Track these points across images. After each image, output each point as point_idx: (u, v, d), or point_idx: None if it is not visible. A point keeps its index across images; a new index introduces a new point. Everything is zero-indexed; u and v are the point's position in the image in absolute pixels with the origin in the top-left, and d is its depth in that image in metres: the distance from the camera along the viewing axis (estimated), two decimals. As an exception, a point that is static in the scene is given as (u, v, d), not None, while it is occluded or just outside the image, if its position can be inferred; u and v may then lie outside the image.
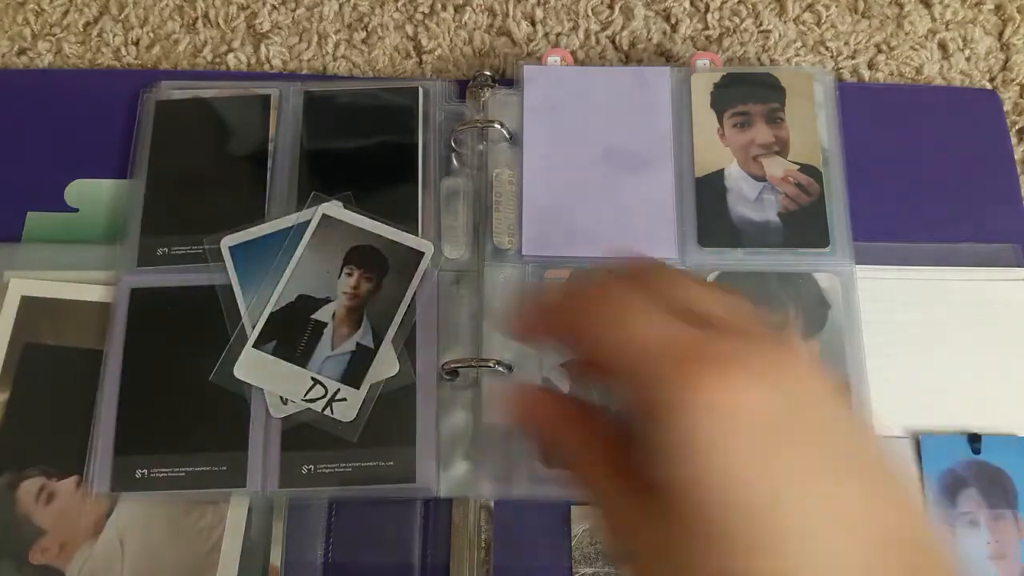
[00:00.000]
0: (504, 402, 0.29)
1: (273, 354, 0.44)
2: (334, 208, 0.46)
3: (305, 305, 0.45)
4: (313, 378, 0.43)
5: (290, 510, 0.43)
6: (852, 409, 0.26)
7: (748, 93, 0.50)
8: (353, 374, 0.43)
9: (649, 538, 0.25)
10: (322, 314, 0.44)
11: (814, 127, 0.49)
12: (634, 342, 0.25)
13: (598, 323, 0.26)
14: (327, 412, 0.43)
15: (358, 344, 0.44)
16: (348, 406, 0.43)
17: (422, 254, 0.46)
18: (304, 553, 0.43)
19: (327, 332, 0.44)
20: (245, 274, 0.45)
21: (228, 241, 0.46)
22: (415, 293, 0.45)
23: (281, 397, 0.43)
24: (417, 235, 0.47)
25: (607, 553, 0.30)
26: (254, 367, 0.43)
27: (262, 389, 0.43)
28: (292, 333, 0.44)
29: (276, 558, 0.42)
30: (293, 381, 0.43)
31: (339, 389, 0.43)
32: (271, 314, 0.44)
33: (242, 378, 0.43)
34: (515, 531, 0.43)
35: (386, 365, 0.43)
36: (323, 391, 0.43)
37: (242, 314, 0.45)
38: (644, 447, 0.24)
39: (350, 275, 0.45)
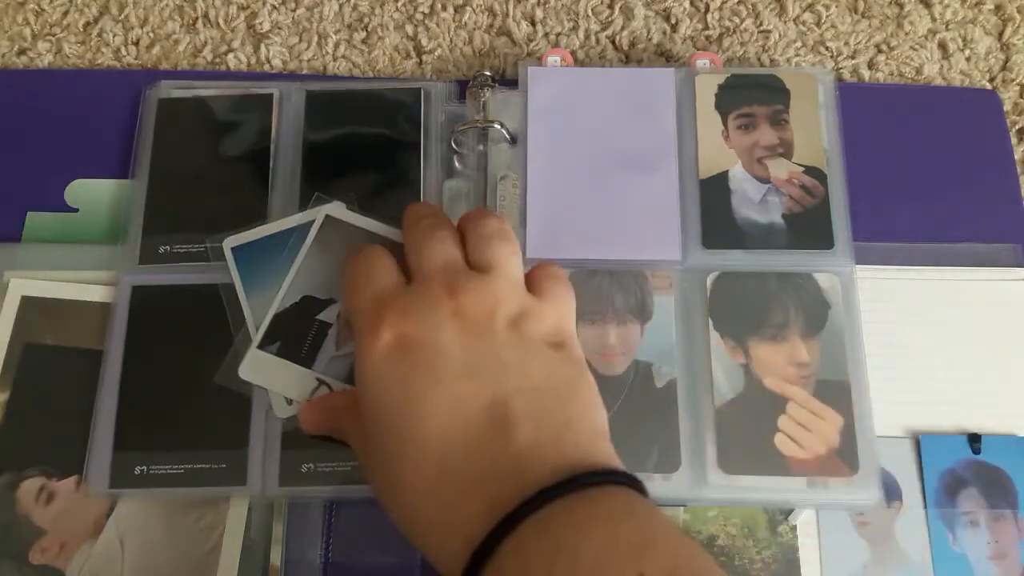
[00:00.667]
0: (303, 420, 0.41)
1: (278, 354, 0.43)
2: (337, 209, 0.46)
3: (309, 306, 0.44)
4: (318, 378, 0.43)
5: (290, 510, 0.43)
6: (521, 332, 0.35)
7: (752, 95, 0.50)
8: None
9: (366, 453, 0.36)
10: (327, 315, 0.44)
11: (818, 129, 0.49)
12: (355, 297, 0.37)
13: (349, 281, 0.39)
14: None
15: None
16: None
17: None
18: (304, 553, 0.43)
19: (331, 333, 0.44)
20: (248, 275, 0.45)
21: (230, 242, 0.46)
22: None
23: (286, 398, 0.43)
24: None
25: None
26: (259, 368, 0.43)
27: (266, 388, 0.43)
28: (297, 334, 0.44)
29: (276, 558, 0.42)
30: (298, 382, 0.43)
31: (344, 390, 0.43)
32: (275, 315, 0.44)
33: (247, 379, 0.43)
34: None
35: None
36: (328, 391, 0.43)
37: (246, 315, 0.45)
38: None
39: None
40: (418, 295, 0.36)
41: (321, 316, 0.44)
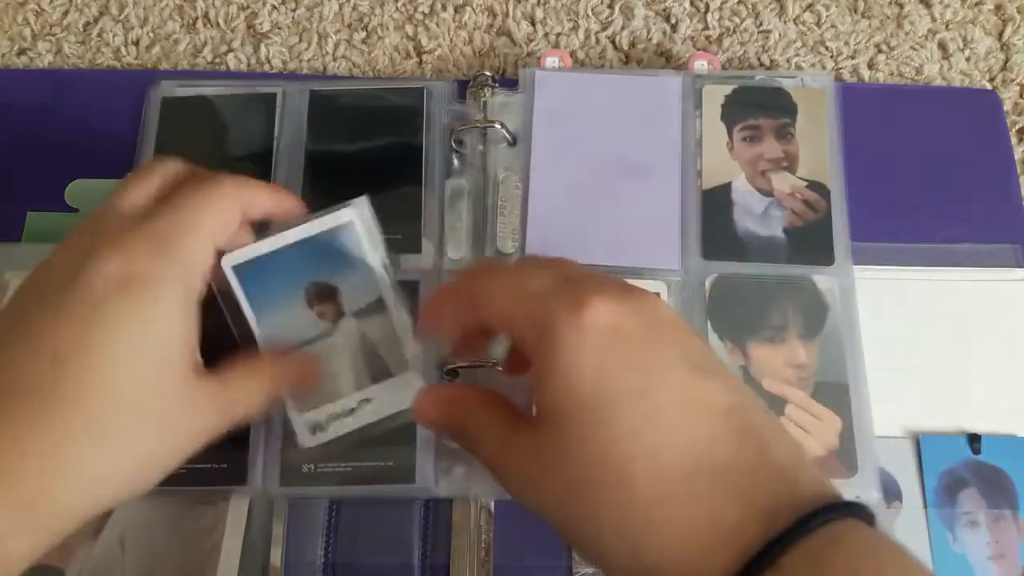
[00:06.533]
0: (420, 409, 0.35)
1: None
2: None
3: None
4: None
5: (290, 510, 0.43)
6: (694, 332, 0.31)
7: (759, 107, 0.49)
8: None
9: (529, 454, 0.30)
10: None
11: (824, 143, 0.49)
12: (523, 292, 0.31)
13: (495, 286, 0.32)
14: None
15: None
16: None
17: None
18: (304, 553, 0.43)
19: None
20: (256, 295, 0.38)
21: (231, 260, 0.37)
22: None
23: (311, 426, 0.40)
24: (420, 236, 0.47)
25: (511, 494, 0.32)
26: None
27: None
28: None
29: (276, 558, 0.42)
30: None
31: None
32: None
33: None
34: (515, 531, 0.43)
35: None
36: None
37: (257, 337, 0.39)
38: (538, 376, 0.30)
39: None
40: (609, 286, 0.31)
41: None
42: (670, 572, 0.27)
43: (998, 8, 0.57)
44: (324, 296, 0.39)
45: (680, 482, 0.27)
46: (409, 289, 0.46)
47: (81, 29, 0.56)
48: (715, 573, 0.26)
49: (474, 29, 0.56)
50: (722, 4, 0.56)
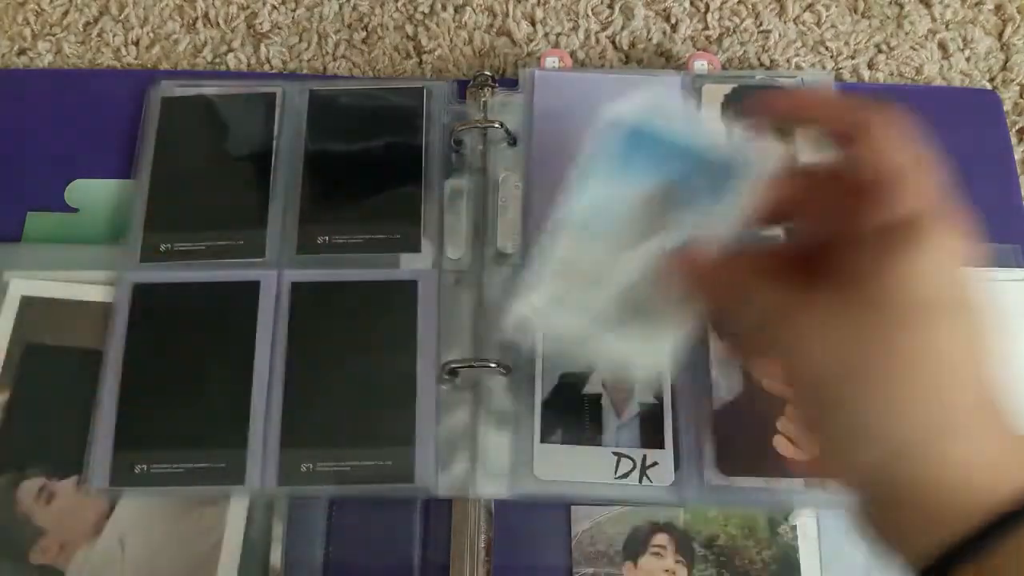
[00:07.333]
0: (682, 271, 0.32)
1: (563, 443, 0.41)
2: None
3: (571, 384, 0.42)
4: (615, 453, 0.40)
5: (290, 509, 0.43)
6: None
7: None
8: (651, 435, 0.41)
9: (821, 320, 0.29)
10: (591, 387, 0.42)
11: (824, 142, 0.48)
12: (923, 161, 0.31)
13: (891, 127, 0.31)
14: (645, 482, 0.40)
15: (640, 403, 0.42)
16: (662, 469, 0.40)
17: None
18: (304, 553, 0.43)
19: (605, 402, 0.42)
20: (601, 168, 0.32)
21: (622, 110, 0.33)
22: None
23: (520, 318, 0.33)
24: (420, 236, 0.47)
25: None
26: (552, 464, 0.40)
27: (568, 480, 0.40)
28: (572, 416, 0.41)
29: (276, 558, 0.42)
30: (597, 464, 0.40)
31: (645, 455, 0.40)
32: (543, 403, 0.41)
33: (544, 478, 0.40)
34: (515, 531, 0.43)
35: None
36: (631, 463, 0.40)
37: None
38: (895, 244, 0.29)
39: None
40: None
41: (587, 391, 0.41)
42: (956, 476, 0.27)
43: (998, 8, 0.57)
44: (663, 210, 0.32)
45: (995, 403, 0.29)
46: (407, 288, 0.46)
47: (81, 29, 0.56)
48: (1002, 494, 0.26)
49: (474, 29, 0.56)
50: (722, 4, 0.56)
